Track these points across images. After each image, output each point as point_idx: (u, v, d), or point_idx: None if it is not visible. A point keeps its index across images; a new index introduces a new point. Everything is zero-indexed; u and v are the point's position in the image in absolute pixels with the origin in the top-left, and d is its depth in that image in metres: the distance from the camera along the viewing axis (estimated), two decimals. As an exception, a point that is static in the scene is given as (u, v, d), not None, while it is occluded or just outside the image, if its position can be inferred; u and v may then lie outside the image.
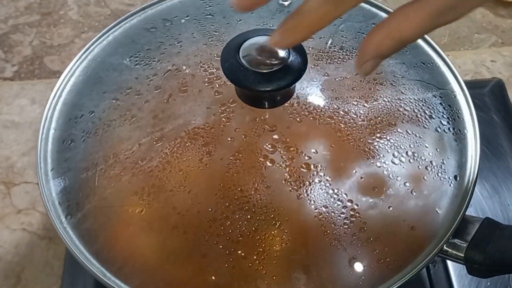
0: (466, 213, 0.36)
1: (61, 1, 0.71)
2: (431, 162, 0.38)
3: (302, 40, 0.30)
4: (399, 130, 0.39)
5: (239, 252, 0.35)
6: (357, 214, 0.36)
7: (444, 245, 0.36)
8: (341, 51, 0.42)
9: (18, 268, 0.50)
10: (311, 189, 0.36)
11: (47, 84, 0.62)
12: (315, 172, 0.36)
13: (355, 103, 0.39)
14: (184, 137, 0.38)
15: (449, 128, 0.40)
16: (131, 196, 0.37)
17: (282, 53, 0.33)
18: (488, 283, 0.48)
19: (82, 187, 0.37)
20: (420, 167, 0.38)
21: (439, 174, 0.38)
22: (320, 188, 0.36)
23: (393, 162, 0.37)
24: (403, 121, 0.39)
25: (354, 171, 0.37)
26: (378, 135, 0.38)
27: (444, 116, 0.40)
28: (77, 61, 0.43)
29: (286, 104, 0.38)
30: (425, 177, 0.37)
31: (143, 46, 0.43)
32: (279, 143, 0.37)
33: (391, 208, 0.36)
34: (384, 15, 0.44)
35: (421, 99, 0.40)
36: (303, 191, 0.36)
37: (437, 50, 0.43)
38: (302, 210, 0.36)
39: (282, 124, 0.38)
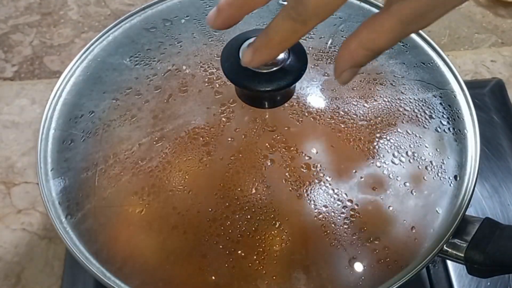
0: (466, 213, 0.36)
1: (61, 1, 0.70)
2: (431, 162, 0.38)
3: (272, 58, 0.31)
4: (399, 130, 0.39)
5: (239, 252, 0.35)
6: (357, 214, 0.36)
7: (444, 245, 0.36)
8: (341, 51, 0.42)
9: (18, 268, 0.50)
10: (311, 189, 0.36)
11: (47, 84, 0.62)
12: (315, 172, 0.36)
13: (355, 103, 0.39)
14: (184, 137, 0.38)
15: (449, 128, 0.40)
16: (131, 196, 0.37)
17: (282, 53, 0.33)
18: (488, 283, 0.48)
19: (82, 187, 0.37)
20: (420, 167, 0.38)
21: (439, 174, 0.38)
22: (320, 188, 0.36)
23: (393, 162, 0.37)
24: (403, 121, 0.39)
25: (354, 171, 0.37)
26: (378, 135, 0.38)
27: (444, 116, 0.40)
28: (77, 61, 0.43)
29: (286, 104, 0.38)
30: (425, 177, 0.37)
31: (143, 46, 0.43)
32: (279, 143, 0.37)
33: (391, 208, 0.36)
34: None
35: (421, 99, 0.40)
36: (303, 191, 0.36)
37: (437, 50, 0.43)
38: (302, 210, 0.36)
39: (282, 124, 0.38)
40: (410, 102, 0.40)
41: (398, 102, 0.40)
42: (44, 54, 0.66)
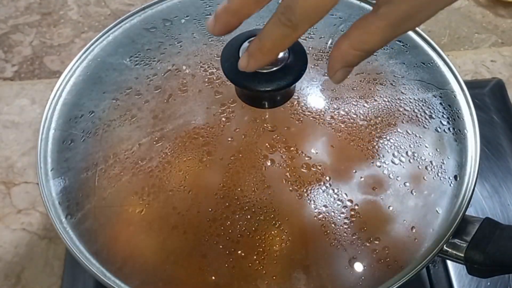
0: (466, 213, 0.36)
1: (61, 1, 0.71)
2: (431, 162, 0.38)
3: (268, 62, 0.31)
4: (399, 130, 0.39)
5: (239, 252, 0.35)
6: (357, 214, 0.36)
7: (444, 245, 0.36)
8: (341, 51, 0.42)
9: (18, 268, 0.50)
10: (311, 189, 0.36)
11: (47, 84, 0.62)
12: (315, 172, 0.36)
13: (355, 103, 0.39)
14: (184, 137, 0.38)
15: (449, 128, 0.40)
16: (131, 196, 0.37)
17: (282, 53, 0.33)
18: (488, 283, 0.48)
19: (82, 187, 0.37)
20: (420, 167, 0.38)
21: (439, 174, 0.38)
22: (320, 188, 0.36)
23: (393, 162, 0.37)
24: (403, 121, 0.39)
25: (354, 171, 0.37)
26: (378, 135, 0.38)
27: (444, 116, 0.40)
28: (77, 61, 0.43)
29: (286, 104, 0.38)
30: (425, 177, 0.37)
31: (143, 46, 0.43)
32: (279, 143, 0.37)
33: (391, 208, 0.36)
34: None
35: (421, 99, 0.40)
36: (303, 191, 0.36)
37: (437, 50, 0.43)
38: (302, 210, 0.36)
39: (282, 124, 0.38)
40: (410, 102, 0.40)
41: (398, 102, 0.40)
42: (44, 54, 0.66)
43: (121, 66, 0.42)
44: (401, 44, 0.43)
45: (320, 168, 0.36)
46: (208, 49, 0.42)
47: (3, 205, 0.53)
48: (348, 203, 0.36)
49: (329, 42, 0.42)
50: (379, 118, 0.39)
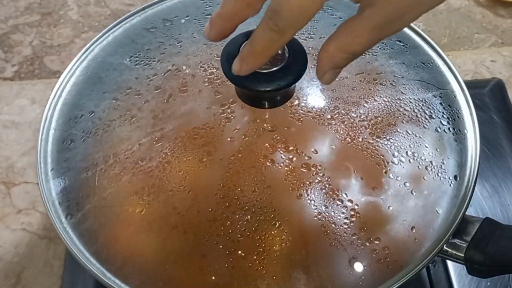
0: (466, 213, 0.36)
1: (61, 1, 0.71)
2: (431, 162, 0.38)
3: (260, 66, 0.32)
4: (399, 130, 0.39)
5: (239, 252, 0.35)
6: (357, 214, 0.36)
7: (444, 245, 0.36)
8: (341, 51, 0.42)
9: (18, 268, 0.50)
10: (311, 189, 0.36)
11: (47, 84, 0.62)
12: (315, 172, 0.36)
13: (355, 103, 0.39)
14: (184, 137, 0.38)
15: (449, 128, 0.40)
16: (131, 196, 0.37)
17: (282, 53, 0.33)
18: (488, 283, 0.48)
19: (82, 187, 0.37)
20: (420, 167, 0.38)
21: (439, 174, 0.38)
22: (320, 188, 0.36)
23: (393, 162, 0.37)
24: (403, 121, 0.39)
25: (354, 171, 0.37)
26: (378, 135, 0.38)
27: (444, 116, 0.40)
28: (77, 61, 0.43)
29: (286, 104, 0.38)
30: (425, 177, 0.37)
31: (143, 46, 0.43)
32: (279, 143, 0.37)
33: (391, 208, 0.36)
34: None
35: (421, 99, 0.40)
36: (303, 191, 0.36)
37: (437, 50, 0.43)
38: (302, 210, 0.36)
39: (282, 124, 0.38)
40: (410, 102, 0.40)
41: (398, 102, 0.40)
42: (44, 54, 0.66)
43: (121, 66, 0.42)
44: (401, 44, 0.43)
45: (320, 168, 0.36)
46: (208, 49, 0.42)
47: (3, 205, 0.53)
48: (348, 203, 0.36)
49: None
50: (379, 118, 0.39)
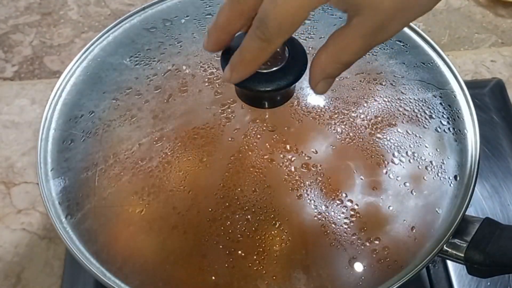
0: (466, 213, 0.36)
1: (61, 1, 0.71)
2: (431, 162, 0.38)
3: (250, 74, 0.32)
4: (399, 130, 0.39)
5: (239, 252, 0.35)
6: (357, 214, 0.36)
7: (444, 245, 0.36)
8: (341, 51, 0.42)
9: (18, 268, 0.50)
10: (311, 189, 0.36)
11: (47, 84, 0.62)
12: (315, 172, 0.36)
13: (355, 103, 0.39)
14: (184, 137, 0.38)
15: (449, 128, 0.40)
16: (131, 196, 0.37)
17: (282, 53, 0.33)
18: (488, 283, 0.48)
19: (82, 187, 0.37)
20: (420, 167, 0.38)
21: (439, 174, 0.38)
22: (320, 188, 0.36)
23: (393, 162, 0.37)
24: (403, 121, 0.39)
25: (354, 171, 0.37)
26: (378, 135, 0.38)
27: (444, 116, 0.40)
28: (77, 61, 0.43)
29: (286, 104, 0.38)
30: (425, 177, 0.37)
31: (143, 46, 0.43)
32: (279, 143, 0.37)
33: (391, 208, 0.36)
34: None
35: (421, 99, 0.40)
36: (303, 191, 0.36)
37: (437, 50, 0.43)
38: (302, 210, 0.36)
39: (282, 124, 0.38)
40: (410, 102, 0.40)
41: (398, 102, 0.40)
42: (44, 54, 0.66)
43: (121, 66, 0.42)
44: (401, 44, 0.43)
45: (320, 168, 0.36)
46: (208, 49, 0.42)
47: (3, 205, 0.53)
48: (348, 203, 0.36)
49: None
50: (379, 118, 0.39)
